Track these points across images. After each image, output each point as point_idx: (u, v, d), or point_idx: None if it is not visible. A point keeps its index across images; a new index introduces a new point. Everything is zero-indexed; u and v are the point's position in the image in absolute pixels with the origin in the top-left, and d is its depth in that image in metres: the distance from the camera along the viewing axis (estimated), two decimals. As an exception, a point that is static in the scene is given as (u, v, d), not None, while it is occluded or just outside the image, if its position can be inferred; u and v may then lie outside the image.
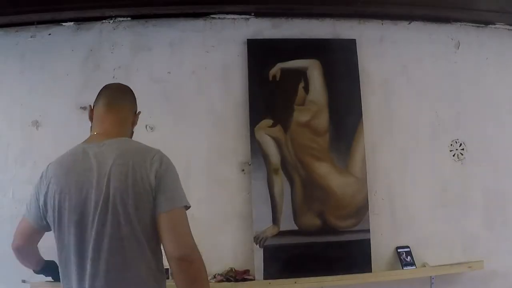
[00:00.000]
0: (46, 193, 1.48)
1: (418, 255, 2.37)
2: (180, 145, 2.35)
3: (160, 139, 2.36)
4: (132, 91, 1.68)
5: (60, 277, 1.45)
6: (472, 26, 2.60)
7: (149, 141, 2.32)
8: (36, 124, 2.36)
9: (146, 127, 2.36)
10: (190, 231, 1.45)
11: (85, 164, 1.43)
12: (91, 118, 1.62)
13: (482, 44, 2.60)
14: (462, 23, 2.58)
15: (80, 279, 1.36)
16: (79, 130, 2.32)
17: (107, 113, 1.57)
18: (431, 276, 2.36)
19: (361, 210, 2.32)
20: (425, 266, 2.36)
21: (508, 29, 2.62)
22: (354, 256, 2.29)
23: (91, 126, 1.62)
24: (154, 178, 1.40)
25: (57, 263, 1.44)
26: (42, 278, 2.21)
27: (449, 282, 2.39)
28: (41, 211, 1.50)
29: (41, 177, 1.54)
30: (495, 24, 2.60)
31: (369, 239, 2.31)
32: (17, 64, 2.40)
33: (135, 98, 1.67)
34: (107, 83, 1.69)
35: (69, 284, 1.39)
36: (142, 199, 1.37)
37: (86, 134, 2.31)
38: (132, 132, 1.66)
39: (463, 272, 2.38)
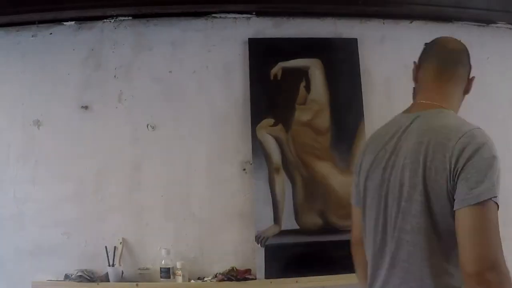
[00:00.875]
0: (360, 165, 1.36)
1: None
2: (181, 144, 2.36)
3: (161, 138, 2.37)
4: (467, 50, 1.46)
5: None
6: (474, 25, 2.59)
7: (150, 141, 2.36)
8: (37, 123, 2.36)
9: (147, 126, 2.37)
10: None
11: (394, 140, 1.27)
12: (415, 79, 1.42)
13: (484, 43, 2.59)
14: (463, 22, 2.58)
15: (377, 268, 1.26)
16: (81, 129, 2.36)
17: (435, 79, 1.37)
18: (432, 276, 2.36)
19: (363, 209, 2.33)
20: (426, 266, 2.36)
21: (510, 28, 2.61)
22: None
23: (414, 89, 1.43)
24: (455, 163, 1.12)
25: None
26: (43, 277, 2.23)
27: (451, 282, 2.39)
28: (357, 190, 1.38)
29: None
30: (496, 23, 2.59)
31: (371, 239, 2.31)
32: (18, 64, 2.40)
33: (469, 60, 1.46)
34: (440, 37, 1.51)
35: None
36: (435, 188, 1.14)
37: (87, 133, 2.36)
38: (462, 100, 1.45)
39: (465, 272, 2.37)
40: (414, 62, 1.44)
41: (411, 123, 1.28)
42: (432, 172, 1.15)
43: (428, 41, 2.54)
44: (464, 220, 1.10)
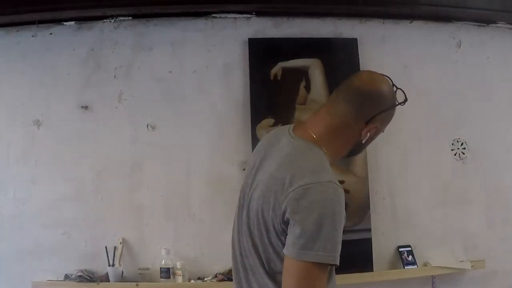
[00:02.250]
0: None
1: (419, 254, 2.37)
2: (181, 144, 2.36)
3: (161, 139, 2.37)
4: (382, 91, 1.28)
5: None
6: (474, 25, 2.59)
7: (150, 141, 2.36)
8: (37, 123, 2.36)
9: (147, 126, 2.37)
10: None
11: (262, 157, 1.26)
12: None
13: (484, 43, 2.59)
14: (463, 22, 2.58)
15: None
16: (80, 129, 2.36)
17: (325, 108, 1.26)
18: (432, 276, 2.36)
19: (362, 209, 2.32)
20: (426, 266, 2.36)
21: (510, 28, 2.61)
22: (356, 255, 2.28)
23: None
24: (283, 213, 1.11)
25: None
26: (43, 277, 2.23)
27: (451, 282, 2.39)
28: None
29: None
30: (496, 23, 2.59)
31: (371, 239, 2.31)
32: (18, 64, 2.40)
33: (383, 103, 1.28)
34: (367, 71, 1.35)
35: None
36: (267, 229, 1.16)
37: (87, 133, 2.36)
38: (356, 145, 1.30)
39: (465, 272, 2.38)
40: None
41: (282, 146, 1.24)
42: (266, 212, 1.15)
43: (428, 41, 2.57)
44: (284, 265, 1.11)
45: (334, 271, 1.23)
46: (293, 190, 1.10)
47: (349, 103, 1.23)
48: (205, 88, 2.41)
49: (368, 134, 1.26)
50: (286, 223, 1.11)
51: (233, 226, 1.35)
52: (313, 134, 1.23)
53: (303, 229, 1.07)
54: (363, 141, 1.28)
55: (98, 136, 2.35)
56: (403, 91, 1.34)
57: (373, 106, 1.25)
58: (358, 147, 1.32)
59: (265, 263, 1.19)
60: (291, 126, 1.31)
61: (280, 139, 1.27)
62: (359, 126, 1.24)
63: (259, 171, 1.25)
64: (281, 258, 1.13)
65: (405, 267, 2.32)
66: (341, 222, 1.12)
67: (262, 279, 1.19)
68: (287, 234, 1.11)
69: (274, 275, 1.17)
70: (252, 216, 1.22)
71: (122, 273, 2.21)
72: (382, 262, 2.35)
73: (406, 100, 1.35)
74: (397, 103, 1.33)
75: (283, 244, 1.12)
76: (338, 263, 1.10)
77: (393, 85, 1.36)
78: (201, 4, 2.38)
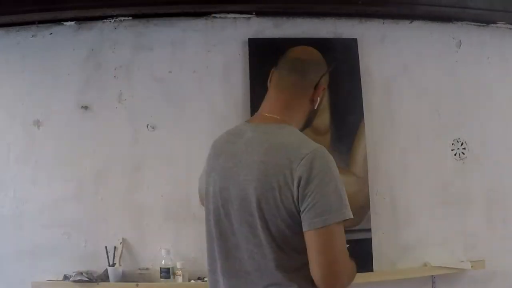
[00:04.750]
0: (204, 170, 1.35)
1: (419, 254, 2.38)
2: (181, 144, 2.36)
3: (161, 138, 2.37)
4: (319, 61, 1.36)
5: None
6: (474, 25, 2.59)
7: (150, 141, 2.36)
8: (37, 123, 2.36)
9: (147, 126, 2.37)
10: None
11: (234, 148, 1.25)
12: (267, 88, 1.36)
13: (484, 43, 2.59)
14: (463, 22, 2.58)
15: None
16: (81, 129, 2.36)
17: (275, 89, 1.32)
18: (432, 276, 2.36)
19: (362, 209, 2.32)
20: (426, 266, 2.36)
21: (510, 28, 2.61)
22: (356, 255, 2.27)
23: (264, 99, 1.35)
24: (297, 187, 1.13)
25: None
26: (43, 277, 2.23)
27: (451, 282, 2.39)
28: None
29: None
30: (496, 23, 2.59)
31: (371, 239, 2.31)
32: (18, 64, 2.40)
33: (323, 67, 1.36)
34: (298, 47, 1.39)
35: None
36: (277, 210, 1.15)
37: (87, 133, 2.36)
38: (310, 113, 1.35)
39: (465, 272, 2.38)
40: (271, 71, 1.38)
41: (252, 136, 1.24)
42: (276, 193, 1.14)
43: (428, 41, 2.57)
44: (310, 241, 1.13)
45: None
46: (298, 164, 1.13)
47: (295, 74, 1.31)
48: (205, 88, 2.40)
49: (319, 98, 1.33)
50: (301, 197, 1.12)
51: (212, 236, 1.28)
52: (274, 116, 1.28)
53: (323, 195, 1.12)
54: (315, 106, 1.34)
55: (98, 136, 2.35)
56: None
57: (316, 70, 1.33)
58: (312, 113, 1.38)
59: (279, 254, 1.16)
60: (244, 122, 1.35)
61: (242, 133, 1.27)
62: (309, 92, 1.31)
63: (237, 170, 1.22)
64: (299, 236, 1.13)
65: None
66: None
67: (271, 274, 1.16)
68: (300, 211, 1.13)
69: (289, 264, 1.16)
70: (261, 206, 1.16)
71: (122, 273, 2.21)
72: (382, 262, 2.35)
73: (334, 64, 1.44)
74: (329, 64, 1.40)
75: (298, 222, 1.13)
76: (352, 216, 1.16)
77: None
78: (201, 4, 2.38)
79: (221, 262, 1.26)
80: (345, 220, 1.14)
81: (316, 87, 1.32)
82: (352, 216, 1.16)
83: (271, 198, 1.15)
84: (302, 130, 1.35)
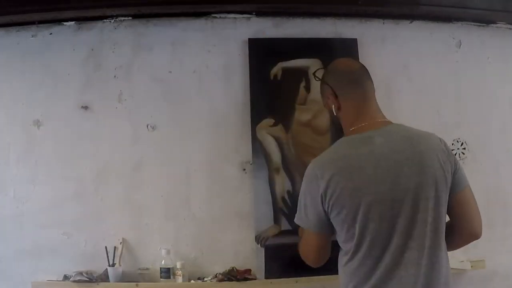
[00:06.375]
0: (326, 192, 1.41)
1: (420, 254, 2.37)
2: (181, 144, 2.36)
3: (161, 138, 2.37)
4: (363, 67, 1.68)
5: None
6: (474, 25, 2.59)
7: (150, 141, 2.36)
8: (37, 123, 2.36)
9: (147, 126, 2.37)
10: None
11: (378, 155, 1.41)
12: (338, 107, 1.57)
13: (484, 43, 2.59)
14: (463, 22, 2.58)
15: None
16: (81, 129, 2.36)
17: (366, 100, 1.56)
18: (432, 276, 2.36)
19: (363, 209, 2.33)
20: (426, 266, 2.36)
21: (510, 28, 2.61)
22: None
23: (344, 121, 1.57)
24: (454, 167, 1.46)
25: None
26: (43, 277, 2.23)
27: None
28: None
29: (311, 180, 1.46)
30: (496, 23, 2.59)
31: (371, 239, 2.31)
32: (18, 64, 2.40)
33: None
34: (337, 60, 1.68)
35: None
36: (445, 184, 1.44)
37: (87, 133, 2.36)
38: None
39: (464, 272, 2.37)
40: (332, 94, 1.57)
41: (383, 139, 1.44)
42: (445, 171, 1.42)
43: (428, 41, 2.56)
44: (469, 197, 1.51)
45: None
46: (445, 147, 1.47)
47: (369, 85, 1.60)
48: (205, 88, 2.41)
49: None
50: (453, 173, 1.45)
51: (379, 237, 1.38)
52: (380, 120, 1.54)
53: (462, 166, 1.49)
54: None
55: (98, 136, 2.35)
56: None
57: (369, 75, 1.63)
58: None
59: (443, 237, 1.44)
60: (359, 132, 1.50)
61: (373, 141, 1.45)
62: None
63: (389, 169, 1.39)
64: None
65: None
66: None
67: (439, 255, 1.42)
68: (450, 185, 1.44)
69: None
70: (438, 190, 1.40)
71: (122, 273, 2.21)
72: (382, 262, 2.34)
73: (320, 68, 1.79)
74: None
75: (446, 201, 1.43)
76: None
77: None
78: (201, 4, 2.38)
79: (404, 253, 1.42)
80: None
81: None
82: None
83: (430, 185, 1.42)
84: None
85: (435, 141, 1.46)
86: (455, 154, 2.49)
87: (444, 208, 1.42)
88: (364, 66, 1.62)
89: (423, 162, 1.39)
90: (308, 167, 1.47)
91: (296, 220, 1.52)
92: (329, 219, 1.43)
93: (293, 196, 2.27)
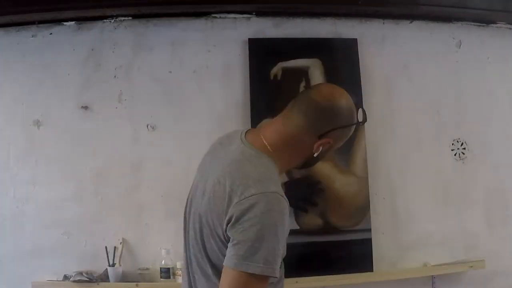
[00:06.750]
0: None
1: (419, 254, 2.38)
2: (181, 144, 2.36)
3: (161, 138, 2.37)
4: (340, 106, 1.27)
5: None
6: (474, 25, 2.59)
7: (150, 141, 2.36)
8: (37, 123, 2.36)
9: (147, 126, 2.37)
10: None
11: (212, 158, 1.34)
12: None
13: (484, 43, 2.59)
14: (463, 22, 2.58)
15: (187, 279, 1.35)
16: (81, 129, 2.36)
17: (283, 121, 1.28)
18: (432, 276, 2.36)
19: (363, 209, 2.32)
20: (426, 266, 2.36)
21: (510, 28, 2.62)
22: (356, 255, 2.29)
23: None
24: (227, 221, 1.14)
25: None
26: (43, 277, 2.23)
27: (450, 282, 2.39)
28: None
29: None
30: (496, 23, 2.59)
31: (370, 239, 2.31)
32: (18, 64, 2.40)
33: (339, 120, 1.27)
34: (326, 84, 1.43)
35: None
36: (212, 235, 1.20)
37: (87, 133, 2.36)
38: (309, 159, 1.30)
39: (465, 272, 2.38)
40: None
41: (234, 149, 1.26)
42: (210, 220, 1.19)
43: (428, 41, 2.57)
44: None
45: (283, 280, 1.26)
46: (239, 201, 1.11)
47: (303, 115, 1.23)
48: (205, 88, 2.41)
49: (321, 148, 1.26)
50: (229, 232, 1.13)
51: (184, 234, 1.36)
52: (265, 142, 1.24)
53: (244, 240, 1.08)
54: (315, 155, 1.27)
55: (98, 136, 2.35)
56: (363, 110, 1.32)
57: (327, 121, 1.24)
58: (310, 160, 1.32)
59: (216, 270, 1.21)
60: (244, 130, 1.33)
61: (232, 142, 1.29)
62: (312, 140, 1.24)
63: (209, 175, 1.27)
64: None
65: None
66: (283, 233, 1.13)
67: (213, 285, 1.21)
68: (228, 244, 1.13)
69: None
70: (203, 222, 1.23)
71: (122, 273, 2.21)
72: (382, 262, 2.35)
73: (365, 120, 1.33)
74: (355, 122, 1.31)
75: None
76: (277, 276, 1.11)
77: (359, 106, 1.36)
78: (201, 4, 2.37)
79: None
80: (267, 276, 1.10)
81: (321, 137, 1.24)
82: (276, 276, 1.11)
83: (213, 217, 1.19)
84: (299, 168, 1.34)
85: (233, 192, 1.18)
86: (455, 154, 2.50)
87: None
88: (332, 109, 1.29)
89: None
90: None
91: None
92: None
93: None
